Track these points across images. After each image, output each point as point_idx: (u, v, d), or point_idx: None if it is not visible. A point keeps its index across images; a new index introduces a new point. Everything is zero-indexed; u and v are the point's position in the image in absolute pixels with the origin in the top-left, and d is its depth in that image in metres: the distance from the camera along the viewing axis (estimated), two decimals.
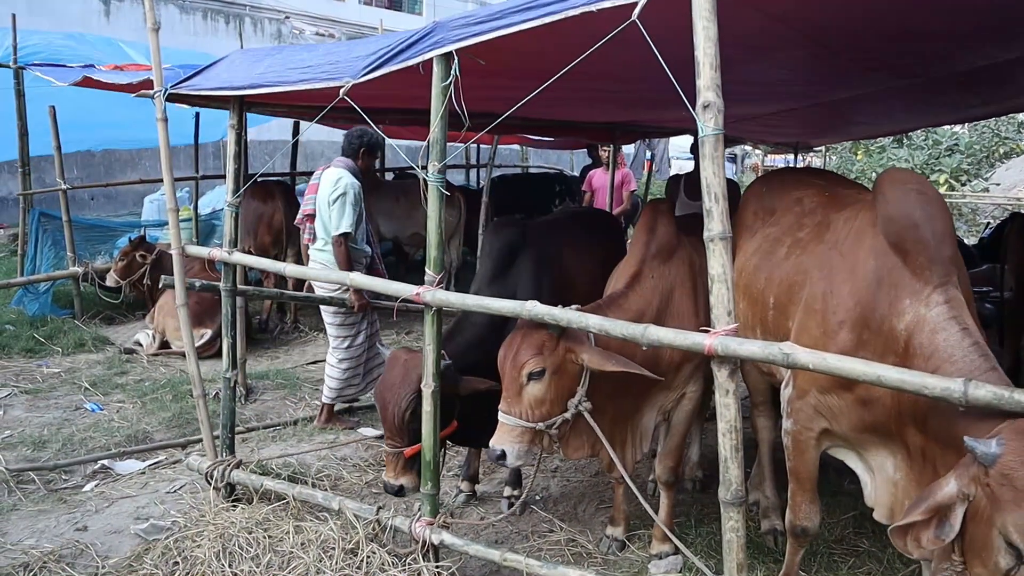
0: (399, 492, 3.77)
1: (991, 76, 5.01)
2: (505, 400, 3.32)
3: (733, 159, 22.86)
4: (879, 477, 2.85)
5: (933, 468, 2.57)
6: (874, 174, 16.51)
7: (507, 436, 3.29)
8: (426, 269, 3.54)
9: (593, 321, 2.97)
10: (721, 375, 2.69)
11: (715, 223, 2.66)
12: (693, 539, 4.03)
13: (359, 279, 3.74)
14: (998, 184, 16.88)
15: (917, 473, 2.67)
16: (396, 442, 3.75)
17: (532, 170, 14.85)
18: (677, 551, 3.76)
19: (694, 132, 2.73)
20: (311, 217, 5.58)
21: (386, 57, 3.53)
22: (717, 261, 2.65)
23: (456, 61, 3.26)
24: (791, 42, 3.60)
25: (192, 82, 4.31)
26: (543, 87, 3.16)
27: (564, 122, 6.98)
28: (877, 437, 2.79)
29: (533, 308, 3.10)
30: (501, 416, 3.30)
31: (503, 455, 3.28)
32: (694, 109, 2.66)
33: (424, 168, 3.45)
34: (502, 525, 4.31)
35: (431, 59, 3.33)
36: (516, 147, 15.44)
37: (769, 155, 19.22)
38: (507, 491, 4.56)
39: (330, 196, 5.15)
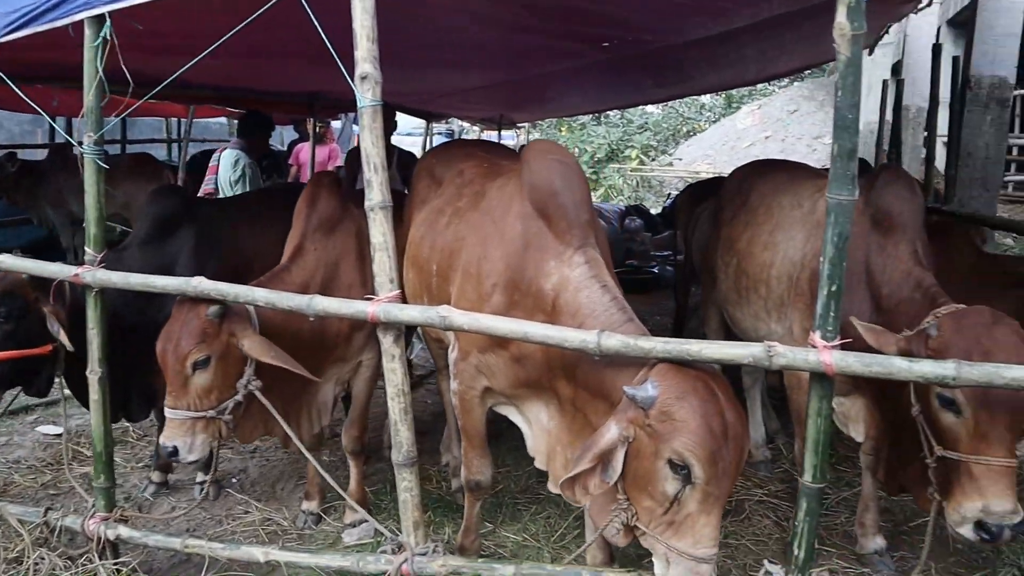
0: None
1: (662, 61, 5.54)
2: (170, 394, 3.13)
3: (451, 135, 23.29)
4: (535, 427, 3.07)
5: (583, 415, 2.81)
6: (576, 149, 17.65)
7: (177, 431, 3.10)
8: (86, 248, 3.30)
9: (260, 294, 2.94)
10: (386, 341, 2.77)
11: (375, 193, 2.74)
12: (387, 504, 4.10)
13: (7, 261, 3.41)
14: (681, 159, 18.78)
15: (568, 420, 2.90)
16: None
17: None
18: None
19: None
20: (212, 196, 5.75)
21: (30, 16, 3.26)
22: (378, 230, 2.73)
23: (108, 23, 3.07)
24: (478, 13, 3.74)
25: None
26: (203, 55, 3.07)
27: (259, 92, 6.76)
28: (532, 391, 3.00)
29: (199, 284, 3.01)
30: (168, 412, 3.11)
31: (175, 451, 3.09)
32: (353, 80, 2.70)
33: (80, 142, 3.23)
34: (196, 512, 4.13)
35: (82, 21, 3.11)
36: (223, 120, 14.70)
37: (485, 131, 19.82)
38: (199, 476, 4.39)
39: (231, 177, 5.44)
